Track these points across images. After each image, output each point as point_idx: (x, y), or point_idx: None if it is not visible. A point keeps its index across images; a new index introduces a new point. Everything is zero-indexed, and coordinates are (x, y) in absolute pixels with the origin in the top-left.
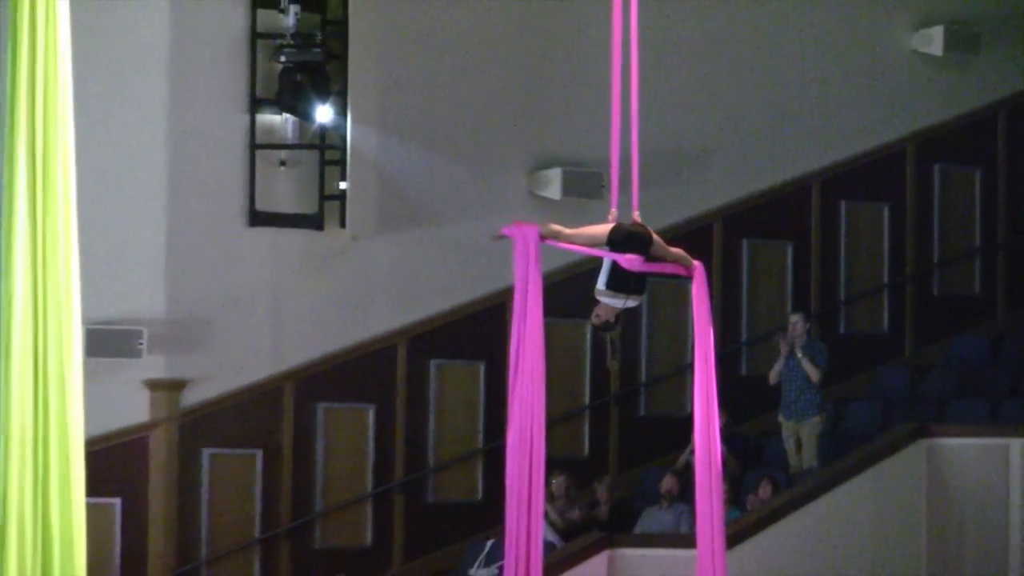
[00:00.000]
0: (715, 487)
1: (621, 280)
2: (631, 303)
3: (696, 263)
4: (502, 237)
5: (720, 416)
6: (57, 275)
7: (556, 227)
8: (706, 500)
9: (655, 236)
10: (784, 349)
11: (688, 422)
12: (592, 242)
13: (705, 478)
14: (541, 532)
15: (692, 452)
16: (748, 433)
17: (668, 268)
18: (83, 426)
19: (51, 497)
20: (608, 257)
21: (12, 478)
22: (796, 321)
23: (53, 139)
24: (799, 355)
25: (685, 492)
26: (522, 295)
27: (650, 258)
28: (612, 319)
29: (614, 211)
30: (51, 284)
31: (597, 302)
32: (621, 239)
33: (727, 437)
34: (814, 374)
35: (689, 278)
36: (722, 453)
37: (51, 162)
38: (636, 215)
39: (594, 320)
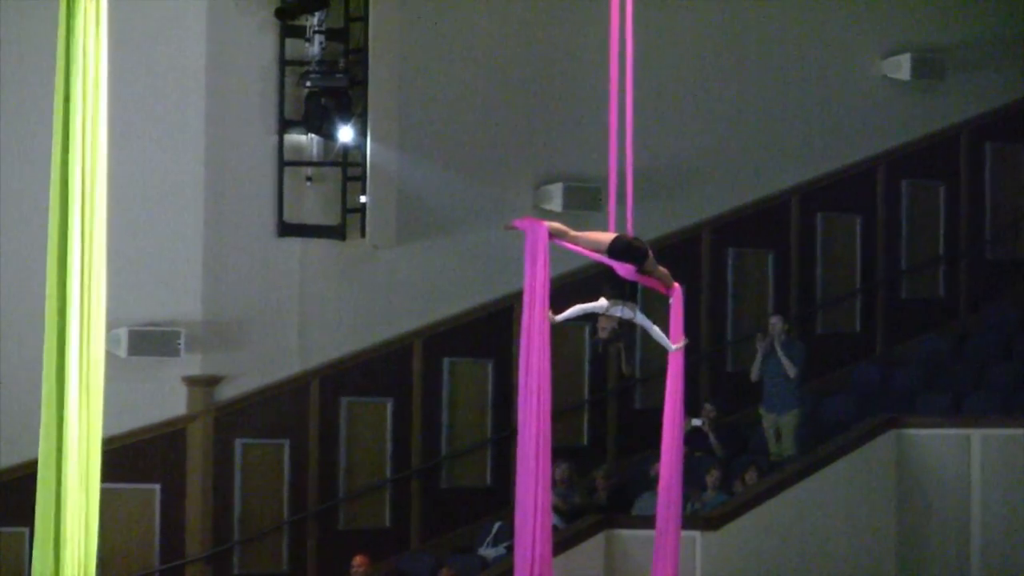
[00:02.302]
0: (675, 481)
1: (616, 288)
2: (628, 312)
3: (675, 285)
4: (513, 228)
5: (711, 409)
6: (93, 281)
7: (563, 227)
8: (667, 491)
9: (650, 253)
10: (762, 348)
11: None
12: (594, 246)
13: (669, 471)
14: (550, 510)
15: (691, 425)
16: (733, 423)
17: (652, 283)
18: (102, 420)
19: (89, 485)
20: (605, 263)
21: (67, 472)
22: (775, 322)
23: (94, 161)
24: (780, 352)
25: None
26: (531, 283)
27: (641, 271)
28: (616, 326)
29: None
30: (88, 290)
31: (597, 317)
32: (621, 249)
33: (716, 427)
34: (791, 370)
35: (667, 297)
36: (712, 443)
37: (92, 181)
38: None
39: (601, 334)
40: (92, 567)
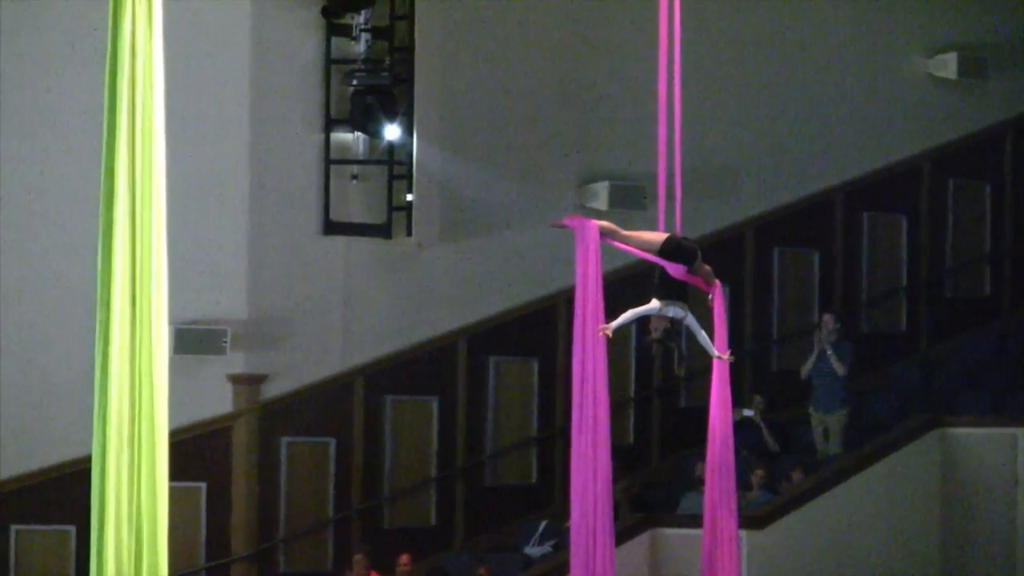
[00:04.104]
0: (726, 476)
1: (667, 287)
2: (679, 312)
3: (716, 282)
4: (562, 226)
5: (761, 401)
6: (149, 280)
7: (613, 226)
8: (715, 487)
9: (699, 253)
10: (818, 347)
11: None
12: (645, 246)
13: (715, 471)
14: (611, 514)
15: (742, 415)
16: (778, 422)
17: (696, 282)
18: (167, 417)
19: (142, 484)
20: (656, 262)
21: (110, 467)
22: (827, 320)
23: (148, 157)
24: (829, 352)
25: None
26: (583, 283)
27: (691, 271)
28: (669, 325)
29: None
30: (143, 288)
31: (648, 318)
32: (672, 248)
33: (767, 420)
34: (840, 370)
35: (708, 293)
36: (764, 434)
37: (146, 177)
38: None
39: (654, 334)
40: (164, 566)
